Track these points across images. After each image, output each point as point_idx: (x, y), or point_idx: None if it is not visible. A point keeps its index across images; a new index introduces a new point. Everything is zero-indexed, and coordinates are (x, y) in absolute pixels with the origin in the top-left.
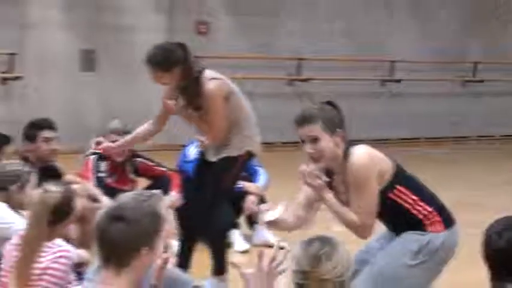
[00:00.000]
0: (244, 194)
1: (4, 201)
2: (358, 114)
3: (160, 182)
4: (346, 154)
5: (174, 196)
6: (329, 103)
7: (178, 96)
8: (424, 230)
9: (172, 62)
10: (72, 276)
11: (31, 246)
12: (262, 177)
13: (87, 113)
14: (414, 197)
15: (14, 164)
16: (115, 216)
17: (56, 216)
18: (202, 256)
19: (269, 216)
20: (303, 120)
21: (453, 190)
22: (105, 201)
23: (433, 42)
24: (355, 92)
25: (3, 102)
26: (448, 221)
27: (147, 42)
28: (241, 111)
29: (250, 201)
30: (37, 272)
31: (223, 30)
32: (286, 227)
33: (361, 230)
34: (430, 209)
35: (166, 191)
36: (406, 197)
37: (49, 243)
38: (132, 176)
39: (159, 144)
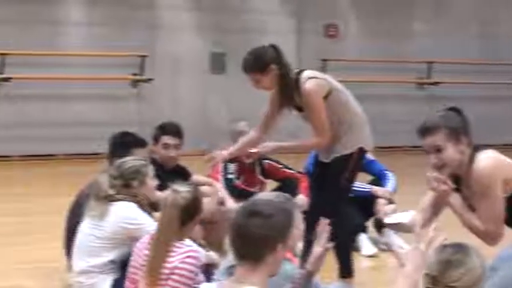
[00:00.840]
0: (372, 197)
1: (132, 200)
2: (488, 119)
3: (288, 184)
4: (471, 160)
5: (301, 199)
6: (453, 109)
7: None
8: None
9: (266, 62)
10: (201, 277)
11: (162, 246)
12: (391, 181)
13: (215, 114)
14: None
15: (129, 161)
16: (252, 212)
17: (186, 216)
18: (328, 258)
19: (392, 219)
20: (426, 131)
21: None
22: (231, 204)
23: None
24: (485, 95)
25: (134, 103)
26: None
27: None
28: (347, 110)
29: (380, 205)
30: (166, 271)
31: (352, 33)
32: (410, 231)
33: (485, 236)
34: None
35: (294, 194)
36: None
37: (178, 243)
38: (260, 177)
39: None
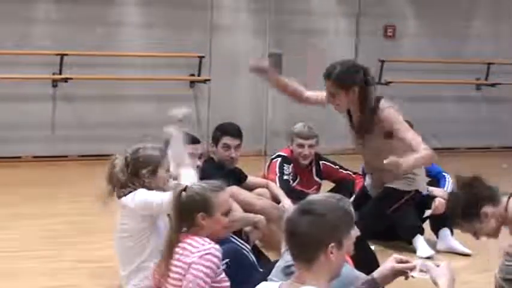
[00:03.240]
0: (428, 199)
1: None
2: None
3: (343, 185)
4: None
5: None
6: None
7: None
8: None
9: (352, 82)
10: (223, 276)
11: (171, 236)
12: (448, 183)
13: (273, 115)
14: None
15: (147, 149)
16: (305, 210)
17: (185, 212)
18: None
19: (421, 273)
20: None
21: None
22: (287, 203)
23: None
24: None
25: (191, 104)
26: None
27: (334, 46)
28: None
29: (439, 203)
30: (184, 266)
31: (410, 33)
32: None
33: None
34: None
35: (350, 194)
36: None
37: (198, 240)
38: (316, 178)
39: (343, 148)
